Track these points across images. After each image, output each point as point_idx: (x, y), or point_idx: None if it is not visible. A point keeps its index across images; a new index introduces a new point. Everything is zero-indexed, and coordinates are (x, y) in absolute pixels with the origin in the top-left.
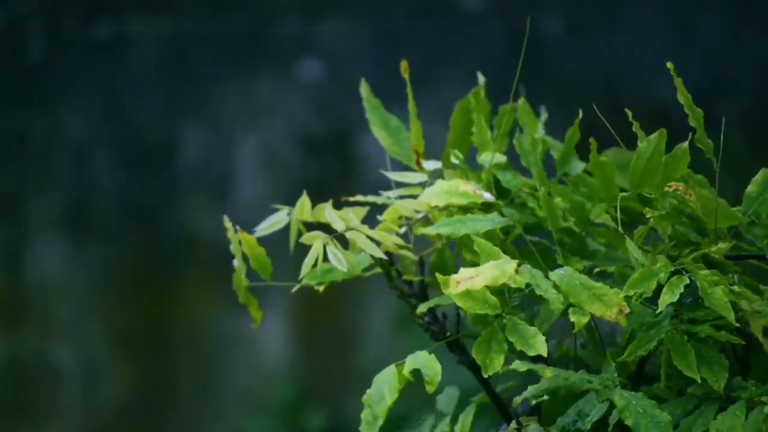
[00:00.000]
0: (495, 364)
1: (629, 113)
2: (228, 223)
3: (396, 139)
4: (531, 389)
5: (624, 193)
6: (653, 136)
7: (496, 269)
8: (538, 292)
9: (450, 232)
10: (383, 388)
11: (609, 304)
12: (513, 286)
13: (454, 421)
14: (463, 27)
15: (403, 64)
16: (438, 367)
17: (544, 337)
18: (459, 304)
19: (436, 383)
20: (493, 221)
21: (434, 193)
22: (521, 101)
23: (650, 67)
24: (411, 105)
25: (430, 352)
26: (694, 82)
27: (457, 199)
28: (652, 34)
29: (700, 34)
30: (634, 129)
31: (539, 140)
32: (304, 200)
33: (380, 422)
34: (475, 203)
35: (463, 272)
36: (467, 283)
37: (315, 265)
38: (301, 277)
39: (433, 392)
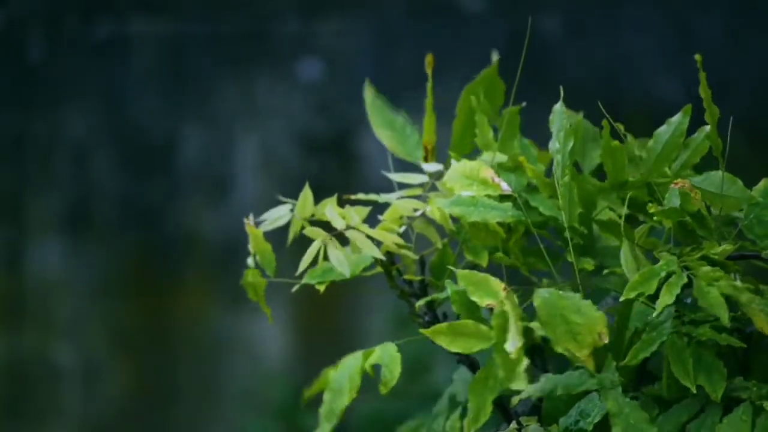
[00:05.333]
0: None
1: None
2: (247, 221)
3: (401, 138)
4: (529, 389)
5: (633, 179)
6: (676, 117)
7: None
8: (517, 321)
9: (461, 214)
10: (344, 380)
11: (582, 345)
12: (498, 309)
13: (463, 414)
14: (463, 27)
15: (428, 58)
16: (398, 369)
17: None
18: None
19: (390, 386)
20: (505, 212)
21: (455, 176)
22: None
23: (650, 67)
24: (429, 100)
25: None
26: (694, 82)
27: (478, 188)
28: (652, 34)
29: (700, 34)
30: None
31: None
32: (306, 193)
33: (335, 420)
34: (492, 194)
35: None
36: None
37: (315, 263)
38: (299, 272)
39: (386, 393)
